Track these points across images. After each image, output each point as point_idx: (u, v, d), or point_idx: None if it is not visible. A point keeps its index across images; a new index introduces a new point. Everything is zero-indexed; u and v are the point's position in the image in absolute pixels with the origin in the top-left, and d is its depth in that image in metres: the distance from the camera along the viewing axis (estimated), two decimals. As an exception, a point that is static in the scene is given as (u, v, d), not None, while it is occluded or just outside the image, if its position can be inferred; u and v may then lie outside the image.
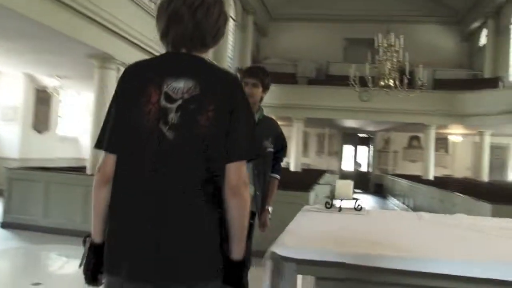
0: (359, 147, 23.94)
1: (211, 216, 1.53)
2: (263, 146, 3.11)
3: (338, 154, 23.42)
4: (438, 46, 22.14)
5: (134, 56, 8.89)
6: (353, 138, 23.53)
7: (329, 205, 3.37)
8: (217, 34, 1.64)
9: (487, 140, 19.03)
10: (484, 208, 6.98)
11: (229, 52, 18.39)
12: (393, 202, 18.16)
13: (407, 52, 10.87)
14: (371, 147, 23.76)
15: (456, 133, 20.76)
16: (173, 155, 1.51)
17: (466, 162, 22.75)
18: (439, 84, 18.94)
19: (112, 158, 1.57)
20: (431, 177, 17.73)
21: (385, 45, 10.49)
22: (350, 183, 3.38)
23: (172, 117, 1.51)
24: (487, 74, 19.55)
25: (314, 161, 23.22)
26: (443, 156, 21.66)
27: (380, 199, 20.11)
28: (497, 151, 21.06)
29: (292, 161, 18.36)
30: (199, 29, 1.58)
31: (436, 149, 22.60)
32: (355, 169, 23.57)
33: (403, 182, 16.33)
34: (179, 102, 1.52)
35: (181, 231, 1.49)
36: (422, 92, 18.16)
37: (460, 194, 8.85)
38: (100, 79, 8.80)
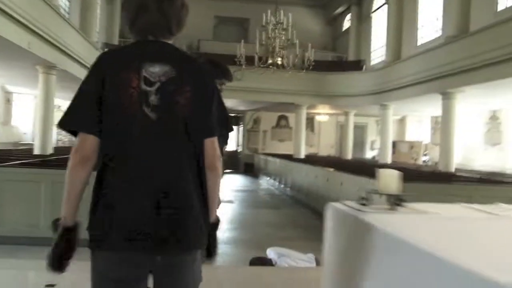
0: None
1: (198, 191, 1.66)
2: None
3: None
4: (305, 28, 22.70)
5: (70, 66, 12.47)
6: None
7: (365, 202, 2.61)
8: (180, 23, 1.77)
9: (351, 119, 20.11)
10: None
11: (97, 26, 16.80)
12: (266, 181, 18.33)
13: (295, 31, 10.74)
14: (241, 127, 23.78)
15: (322, 113, 21.60)
16: (158, 134, 1.60)
17: (330, 140, 23.92)
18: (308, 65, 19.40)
19: (91, 139, 1.59)
20: (302, 155, 18.21)
21: (273, 22, 10.23)
22: (395, 174, 2.63)
23: (153, 99, 1.60)
24: (351, 57, 20.57)
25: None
26: (310, 135, 22.44)
27: (252, 178, 20.24)
28: (358, 130, 22.41)
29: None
30: (165, 18, 1.69)
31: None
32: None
33: (277, 160, 16.49)
34: (158, 84, 1.62)
35: (174, 207, 1.59)
36: (293, 73, 18.65)
37: (346, 173, 8.97)
38: (43, 83, 11.28)
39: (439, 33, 14.93)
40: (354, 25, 20.56)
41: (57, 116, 15.75)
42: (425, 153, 20.51)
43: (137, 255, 1.57)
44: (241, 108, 22.27)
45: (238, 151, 23.72)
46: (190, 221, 1.61)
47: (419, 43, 16.49)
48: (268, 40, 10.29)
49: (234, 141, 24.00)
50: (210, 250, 1.76)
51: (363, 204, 2.59)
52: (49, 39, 10.63)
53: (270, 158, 18.09)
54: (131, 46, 1.71)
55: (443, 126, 12.50)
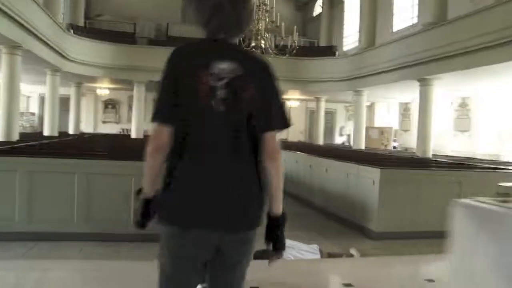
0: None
1: (256, 180, 1.81)
2: None
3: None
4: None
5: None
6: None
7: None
8: (249, 24, 1.89)
9: (323, 105, 20.04)
10: (374, 172, 6.92)
11: (61, 7, 15.95)
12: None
13: (279, 13, 10.42)
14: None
15: (293, 99, 21.42)
16: (225, 125, 1.75)
17: (300, 126, 23.82)
18: (279, 51, 19.10)
19: (166, 130, 1.73)
20: (275, 141, 18.01)
21: (257, 4, 9.87)
22: None
23: (220, 93, 1.73)
24: (322, 42, 20.42)
25: (149, 126, 21.96)
26: (280, 121, 22.28)
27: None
28: (328, 116, 22.35)
29: (133, 127, 16.96)
30: (239, 19, 1.81)
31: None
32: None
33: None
34: (225, 80, 1.74)
35: (240, 191, 1.77)
36: (269, 58, 18.37)
37: (332, 159, 8.79)
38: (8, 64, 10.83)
39: (415, 20, 14.93)
40: (326, 10, 20.37)
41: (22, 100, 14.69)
42: (394, 139, 20.70)
43: (207, 233, 1.75)
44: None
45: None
46: (252, 204, 1.79)
47: (394, 30, 16.49)
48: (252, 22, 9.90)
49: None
50: (278, 244, 1.87)
51: (505, 201, 2.30)
52: (13, 15, 9.93)
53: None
54: (203, 43, 1.83)
55: (420, 113, 12.53)
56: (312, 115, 24.22)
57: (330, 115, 23.69)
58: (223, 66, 1.73)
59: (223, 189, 1.74)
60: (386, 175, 6.84)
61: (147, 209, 1.82)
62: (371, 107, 23.64)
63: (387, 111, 23.09)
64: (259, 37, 9.69)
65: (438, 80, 12.13)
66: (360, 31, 17.15)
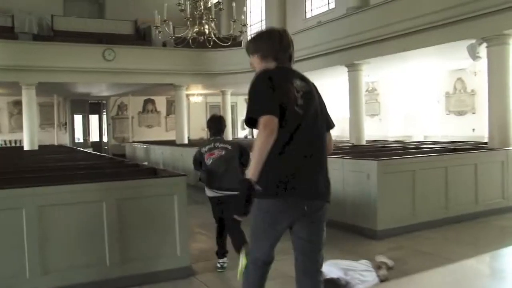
0: (90, 116, 21.07)
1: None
2: None
3: (68, 126, 20.09)
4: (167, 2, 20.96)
5: None
6: (83, 105, 20.53)
7: None
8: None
9: (229, 99, 19.19)
10: (369, 165, 6.29)
11: None
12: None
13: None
14: (104, 114, 21.27)
15: (196, 94, 20.27)
16: (309, 125, 2.58)
17: (201, 123, 22.71)
18: (181, 42, 17.84)
19: (276, 120, 2.38)
20: (185, 140, 16.77)
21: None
22: None
23: (299, 102, 2.54)
24: (223, 33, 19.52)
25: (40, 136, 19.33)
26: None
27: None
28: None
29: (26, 137, 14.59)
30: (293, 55, 2.80)
31: (170, 112, 21.89)
32: (86, 140, 20.74)
33: (166, 148, 14.85)
34: (301, 93, 2.58)
35: (327, 175, 2.67)
36: (170, 50, 17.01)
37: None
38: None
39: (333, 6, 14.69)
40: (226, 2, 19.47)
41: None
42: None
43: (302, 201, 2.54)
44: (103, 94, 19.84)
45: (104, 141, 21.21)
46: (329, 185, 2.69)
47: (308, 16, 16.16)
48: (192, 4, 8.65)
49: (95, 131, 21.41)
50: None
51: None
52: None
53: (153, 147, 16.29)
54: (281, 69, 2.66)
55: (351, 99, 12.24)
56: (212, 110, 23.27)
57: (231, 109, 22.95)
58: (300, 84, 2.60)
59: (319, 174, 2.63)
60: (383, 167, 6.24)
61: (250, 195, 2.34)
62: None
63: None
64: (203, 21, 8.51)
65: (367, 65, 11.96)
66: (267, 20, 16.57)
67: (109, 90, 18.49)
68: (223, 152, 4.76)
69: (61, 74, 14.50)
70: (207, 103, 22.83)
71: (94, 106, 21.13)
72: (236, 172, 4.67)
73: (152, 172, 5.69)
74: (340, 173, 6.76)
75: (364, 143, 12.09)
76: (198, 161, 4.92)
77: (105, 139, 21.17)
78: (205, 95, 21.41)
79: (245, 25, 8.84)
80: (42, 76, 14.32)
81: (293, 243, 2.71)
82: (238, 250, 4.04)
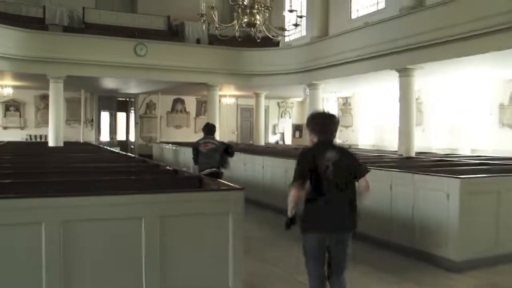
0: (118, 113, 20.40)
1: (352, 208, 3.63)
2: None
3: (94, 123, 19.47)
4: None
5: None
6: (110, 102, 19.88)
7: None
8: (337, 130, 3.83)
9: (262, 101, 18.34)
10: (449, 183, 5.35)
11: None
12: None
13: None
14: (132, 113, 20.60)
15: (229, 95, 19.45)
16: (333, 187, 3.49)
17: (232, 125, 21.90)
18: (216, 41, 17.07)
19: (306, 182, 3.50)
20: (218, 143, 15.94)
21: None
22: None
23: (329, 169, 3.46)
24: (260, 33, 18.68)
25: (65, 133, 18.73)
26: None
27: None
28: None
29: (51, 133, 13.95)
30: (335, 131, 3.69)
31: (200, 113, 21.12)
32: (112, 139, 20.05)
33: (190, 151, 14.00)
34: (331, 161, 3.46)
35: (346, 217, 3.58)
36: (205, 48, 16.22)
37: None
38: None
39: (382, 5, 13.70)
40: (261, -1, 18.64)
41: None
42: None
43: (327, 234, 3.54)
44: (131, 91, 19.16)
45: (131, 140, 20.52)
46: (351, 220, 3.61)
47: (353, 17, 15.20)
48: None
49: (123, 129, 20.74)
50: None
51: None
52: None
53: (183, 149, 15.50)
54: (319, 145, 3.56)
55: (402, 107, 11.25)
56: (243, 113, 22.45)
57: (264, 113, 22.09)
58: (331, 155, 3.49)
59: (340, 216, 3.57)
60: (466, 186, 5.25)
61: (292, 223, 3.54)
62: (303, 103, 22.44)
63: (321, 107, 22.00)
64: (254, 11, 7.67)
65: (421, 70, 10.97)
66: (308, 20, 15.66)
67: (138, 87, 17.80)
68: (213, 146, 7.48)
69: (91, 68, 13.85)
70: (238, 105, 21.99)
71: (122, 104, 20.47)
72: (217, 159, 7.40)
73: (197, 181, 4.81)
74: (409, 190, 5.81)
75: (413, 154, 11.08)
76: (195, 150, 7.58)
77: (131, 138, 20.47)
78: (237, 97, 20.58)
79: (302, 16, 7.93)
80: (71, 69, 13.69)
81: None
82: None
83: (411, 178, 5.83)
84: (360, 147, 17.88)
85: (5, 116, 18.13)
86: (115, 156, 8.68)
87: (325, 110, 4.02)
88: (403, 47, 10.86)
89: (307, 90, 15.27)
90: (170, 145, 16.95)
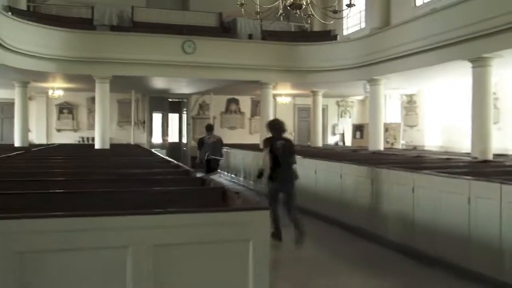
0: (170, 114, 19.92)
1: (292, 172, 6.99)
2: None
3: (146, 124, 19.07)
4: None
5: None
6: (162, 103, 19.41)
7: None
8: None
9: (320, 100, 17.20)
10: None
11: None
12: (228, 178, 14.98)
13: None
14: (184, 114, 20.06)
15: (284, 94, 18.44)
16: (283, 158, 6.73)
17: (288, 126, 20.83)
18: (268, 36, 16.14)
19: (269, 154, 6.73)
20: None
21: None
22: None
23: (280, 149, 6.70)
24: (316, 27, 17.59)
25: (116, 134, 18.50)
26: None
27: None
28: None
29: (98, 135, 13.54)
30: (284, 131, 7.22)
31: (256, 113, 20.24)
32: (164, 140, 19.57)
33: (248, 153, 13.15)
34: (280, 146, 6.72)
35: (289, 175, 6.84)
36: (257, 44, 15.33)
37: (387, 168, 5.92)
38: None
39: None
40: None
41: None
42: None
43: (281, 183, 6.70)
44: (183, 91, 18.58)
45: (183, 142, 19.97)
46: (291, 177, 6.86)
47: (418, 3, 13.79)
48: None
49: (175, 131, 20.24)
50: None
51: None
52: None
53: (234, 151, 14.70)
54: (274, 137, 6.87)
55: (476, 102, 9.82)
56: (301, 113, 21.34)
57: (322, 112, 20.87)
58: (279, 142, 6.72)
59: (286, 175, 6.67)
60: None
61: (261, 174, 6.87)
62: (363, 102, 21.05)
63: (383, 105, 20.52)
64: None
65: (499, 58, 9.49)
66: (367, 10, 14.39)
67: (189, 87, 17.18)
68: (214, 140, 11.34)
69: (136, 67, 13.31)
70: (295, 104, 20.93)
71: (174, 105, 19.96)
72: (217, 149, 11.27)
73: (220, 194, 3.86)
74: (495, 205, 4.56)
75: (490, 157, 9.62)
76: (201, 143, 11.37)
77: (184, 140, 19.91)
78: (294, 96, 19.54)
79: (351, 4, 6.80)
80: (116, 69, 13.22)
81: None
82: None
83: (497, 190, 4.58)
84: (426, 148, 16.41)
85: (58, 118, 18.08)
86: (148, 161, 7.93)
87: (277, 117, 8.41)
88: (477, 32, 9.43)
89: (367, 87, 13.99)
90: (229, 148, 16.31)
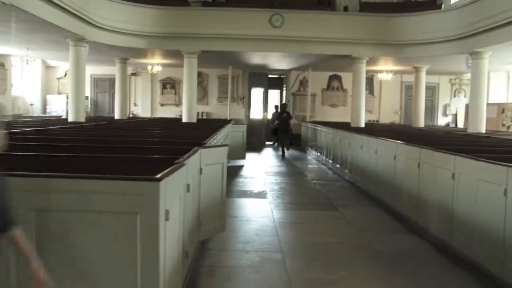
0: (269, 91, 19.81)
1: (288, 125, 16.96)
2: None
3: (245, 100, 19.21)
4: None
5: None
6: (261, 79, 19.33)
7: None
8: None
9: (423, 77, 15.81)
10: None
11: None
12: (316, 157, 14.50)
13: None
14: (284, 90, 19.81)
15: (385, 70, 17.28)
16: (284, 124, 15.39)
17: (394, 105, 19.58)
18: (367, 8, 15.12)
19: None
20: (362, 124, 14.15)
21: None
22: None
23: (283, 119, 15.37)
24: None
25: (216, 110, 18.91)
26: (368, 99, 18.00)
27: (299, 153, 16.44)
28: (427, 92, 17.85)
29: (185, 109, 13.90)
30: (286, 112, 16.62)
31: (358, 91, 19.24)
32: (264, 117, 19.52)
33: (331, 131, 12.54)
34: (283, 117, 15.36)
35: (285, 128, 16.02)
36: (350, 16, 14.46)
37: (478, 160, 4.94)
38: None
39: None
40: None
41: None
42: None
43: (283, 135, 15.72)
44: (283, 67, 18.27)
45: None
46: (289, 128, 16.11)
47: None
48: None
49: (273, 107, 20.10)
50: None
51: None
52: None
53: (320, 128, 14.15)
54: (279, 112, 15.67)
55: None
56: (408, 91, 19.88)
57: (431, 91, 19.21)
58: (281, 115, 15.21)
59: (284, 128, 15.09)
60: None
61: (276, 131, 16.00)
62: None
63: (505, 83, 18.26)
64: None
65: None
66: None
67: (282, 62, 16.83)
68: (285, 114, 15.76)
69: (223, 41, 13.34)
70: (402, 82, 19.54)
71: (274, 80, 19.79)
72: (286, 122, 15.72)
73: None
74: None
75: None
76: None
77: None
78: (398, 72, 18.22)
79: None
80: (204, 43, 13.38)
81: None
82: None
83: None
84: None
85: (162, 93, 18.95)
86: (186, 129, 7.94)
87: (284, 101, 17.93)
88: None
89: (470, 61, 12.42)
90: (311, 124, 15.91)
